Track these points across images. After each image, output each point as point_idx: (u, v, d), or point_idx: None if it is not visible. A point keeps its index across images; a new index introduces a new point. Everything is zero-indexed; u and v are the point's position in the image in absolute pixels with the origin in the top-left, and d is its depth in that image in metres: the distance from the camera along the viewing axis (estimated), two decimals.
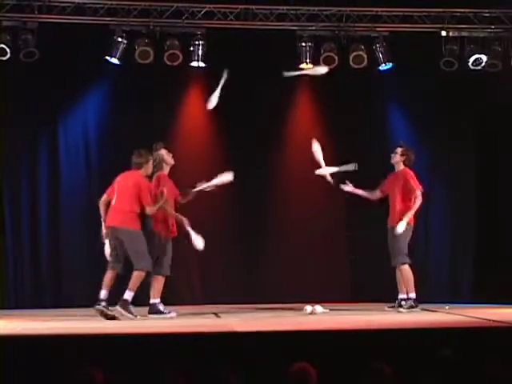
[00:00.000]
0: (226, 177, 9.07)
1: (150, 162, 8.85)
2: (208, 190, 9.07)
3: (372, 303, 9.97)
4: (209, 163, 10.70)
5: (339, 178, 9.57)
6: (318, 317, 8.80)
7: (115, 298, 8.57)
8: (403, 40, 10.36)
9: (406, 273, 9.25)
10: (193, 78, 10.79)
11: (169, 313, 8.79)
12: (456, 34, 10.41)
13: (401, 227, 9.11)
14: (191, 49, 10.25)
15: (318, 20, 10.33)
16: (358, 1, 10.33)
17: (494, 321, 7.63)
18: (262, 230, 10.88)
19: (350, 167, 9.42)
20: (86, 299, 10.14)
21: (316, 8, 10.29)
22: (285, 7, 10.25)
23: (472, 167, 11.06)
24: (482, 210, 10.92)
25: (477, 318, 8.19)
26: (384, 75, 10.64)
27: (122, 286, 8.63)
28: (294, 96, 11.06)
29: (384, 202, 9.56)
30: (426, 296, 9.62)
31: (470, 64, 10.43)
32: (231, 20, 10.17)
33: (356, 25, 10.34)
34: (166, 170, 9.03)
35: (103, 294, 8.57)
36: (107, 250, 8.82)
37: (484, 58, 10.40)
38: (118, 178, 8.84)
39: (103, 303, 8.48)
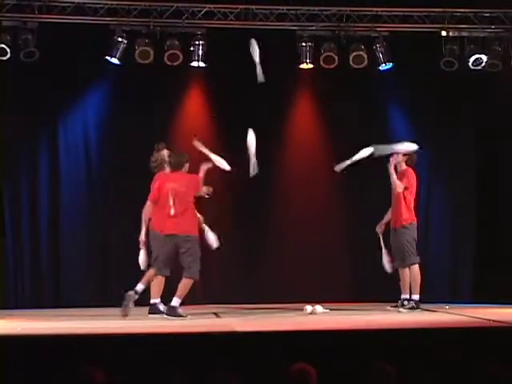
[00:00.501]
0: (223, 164, 8.97)
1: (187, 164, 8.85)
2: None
3: (372, 303, 9.97)
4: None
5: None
6: (318, 317, 8.80)
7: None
8: (403, 40, 10.36)
9: (415, 273, 9.27)
10: (193, 78, 10.79)
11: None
12: (456, 33, 10.41)
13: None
14: (191, 49, 10.25)
15: (318, 20, 10.33)
16: (358, 1, 10.32)
17: (494, 321, 7.64)
18: (262, 229, 10.88)
19: (366, 152, 9.30)
20: (85, 299, 10.19)
21: (316, 8, 10.29)
22: (285, 7, 10.24)
23: (472, 167, 11.06)
24: (482, 209, 10.92)
25: (477, 317, 8.20)
26: (384, 75, 10.64)
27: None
28: (294, 96, 11.06)
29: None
30: (426, 296, 9.61)
31: (470, 64, 10.43)
32: (231, 20, 10.17)
33: (356, 25, 10.34)
34: (168, 170, 9.03)
35: (140, 287, 8.57)
36: (143, 257, 8.79)
37: (484, 57, 10.39)
38: (165, 183, 8.75)
39: (135, 296, 8.51)
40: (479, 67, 10.44)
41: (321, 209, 10.95)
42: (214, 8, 10.15)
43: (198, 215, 8.88)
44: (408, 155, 9.49)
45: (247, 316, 8.94)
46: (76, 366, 4.76)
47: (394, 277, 9.42)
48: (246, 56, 10.36)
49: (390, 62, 10.42)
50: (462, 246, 11.03)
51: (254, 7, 10.18)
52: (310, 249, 10.87)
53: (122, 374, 5.34)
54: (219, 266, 10.68)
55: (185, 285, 8.59)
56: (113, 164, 10.72)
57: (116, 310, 8.65)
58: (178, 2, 10.12)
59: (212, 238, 8.88)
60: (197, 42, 10.21)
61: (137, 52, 10.06)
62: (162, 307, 8.81)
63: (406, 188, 9.34)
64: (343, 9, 10.30)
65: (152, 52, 10.06)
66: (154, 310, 8.78)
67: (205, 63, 10.30)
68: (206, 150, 8.97)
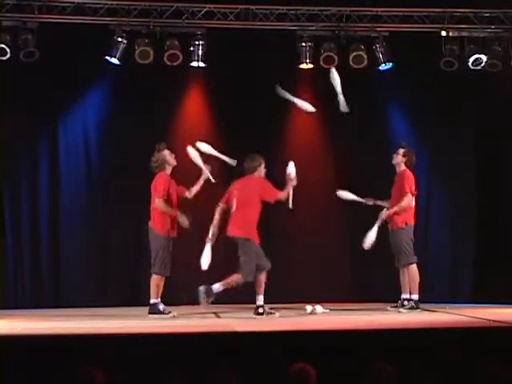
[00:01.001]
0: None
1: (262, 165, 8.97)
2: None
3: (372, 303, 9.96)
4: (208, 163, 10.70)
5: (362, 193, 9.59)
6: (318, 317, 8.80)
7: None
8: (403, 40, 10.35)
9: (413, 273, 9.27)
10: (193, 78, 10.79)
11: (169, 313, 8.79)
12: (456, 33, 10.40)
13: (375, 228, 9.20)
14: (191, 49, 10.24)
15: (318, 20, 10.33)
16: (357, 1, 10.32)
17: (493, 321, 7.64)
18: (261, 230, 10.85)
19: (368, 201, 9.52)
20: (85, 299, 10.19)
21: (316, 8, 10.29)
22: (285, 7, 10.24)
23: (472, 167, 11.06)
24: (482, 210, 10.92)
25: (477, 317, 8.20)
26: (384, 75, 10.64)
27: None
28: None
29: None
30: (426, 296, 9.61)
31: (469, 64, 10.43)
32: (231, 20, 10.16)
33: (356, 25, 10.33)
34: (169, 170, 9.05)
35: (216, 286, 8.66)
36: (207, 258, 8.87)
37: (484, 57, 10.39)
38: (236, 186, 8.94)
39: (209, 294, 8.62)
40: (479, 67, 10.44)
41: (321, 209, 10.95)
42: (214, 8, 10.14)
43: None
44: (407, 156, 9.50)
45: (247, 316, 8.94)
46: (76, 366, 4.76)
47: (394, 277, 9.42)
48: (246, 56, 10.39)
49: (389, 62, 10.42)
50: (462, 246, 11.03)
51: (253, 7, 10.18)
52: (310, 249, 10.87)
53: (121, 374, 5.34)
54: (219, 265, 10.68)
55: (233, 278, 8.76)
56: (113, 164, 10.72)
57: (115, 310, 8.67)
58: (178, 2, 10.12)
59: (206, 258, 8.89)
60: (197, 42, 10.21)
61: (137, 52, 10.06)
62: (161, 307, 8.80)
63: (412, 194, 9.35)
64: (343, 9, 10.29)
65: (152, 52, 10.05)
66: (153, 309, 8.78)
67: (205, 63, 10.30)
68: (213, 152, 9.00)
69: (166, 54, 10.09)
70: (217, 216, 9.00)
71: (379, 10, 10.30)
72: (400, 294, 9.40)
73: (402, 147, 9.55)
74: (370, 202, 9.58)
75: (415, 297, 9.27)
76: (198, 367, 5.25)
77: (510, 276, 10.15)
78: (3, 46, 9.73)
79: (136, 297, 10.00)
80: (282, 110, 10.90)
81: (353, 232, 10.86)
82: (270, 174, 10.87)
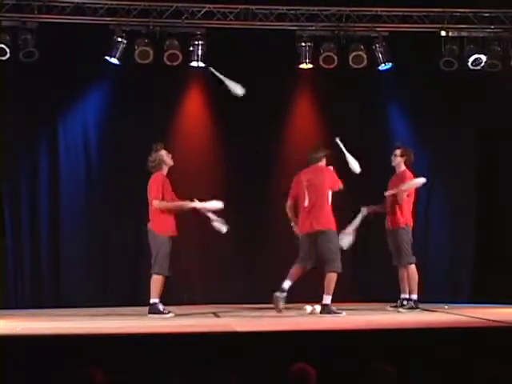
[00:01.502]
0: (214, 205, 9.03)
1: (325, 156, 8.97)
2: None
3: (372, 303, 9.96)
4: (208, 163, 10.72)
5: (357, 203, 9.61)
6: (317, 317, 8.79)
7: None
8: (403, 40, 10.35)
9: (412, 273, 9.28)
10: (192, 78, 10.78)
11: (168, 313, 8.79)
12: (455, 33, 10.40)
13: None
14: (191, 49, 10.24)
15: (318, 20, 10.32)
16: (357, 1, 10.32)
17: (493, 321, 7.64)
18: (262, 229, 10.87)
19: (362, 213, 9.44)
20: (85, 299, 10.19)
21: (316, 8, 10.28)
22: (284, 7, 10.23)
23: (472, 167, 11.06)
24: (482, 210, 10.92)
25: (476, 317, 8.20)
26: (384, 75, 10.64)
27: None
28: (293, 96, 11.06)
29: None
30: (426, 296, 9.61)
31: (469, 64, 10.43)
32: (231, 20, 10.16)
33: (356, 25, 10.33)
34: (165, 170, 9.04)
35: (287, 283, 8.72)
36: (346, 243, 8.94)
37: (483, 57, 10.39)
38: (304, 178, 8.93)
39: (284, 293, 8.72)
40: (479, 67, 10.43)
41: None
42: (214, 8, 10.14)
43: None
44: (406, 155, 9.49)
45: (247, 316, 8.94)
46: (76, 366, 4.76)
47: (393, 277, 9.42)
48: (246, 56, 10.39)
49: (389, 61, 10.41)
50: (462, 246, 11.03)
51: (253, 7, 10.17)
52: None
53: (121, 374, 5.34)
54: (219, 265, 10.69)
55: (330, 279, 8.74)
56: (112, 164, 10.72)
57: (115, 310, 8.67)
58: (178, 2, 10.11)
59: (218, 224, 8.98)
60: (196, 42, 10.20)
61: (136, 52, 10.05)
62: (161, 307, 8.80)
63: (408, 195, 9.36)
64: (343, 9, 10.29)
65: (151, 52, 10.05)
66: (153, 309, 8.78)
67: (204, 63, 10.29)
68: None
69: (166, 54, 10.09)
70: (291, 214, 9.04)
71: (379, 9, 10.29)
72: (399, 293, 9.40)
73: (398, 147, 9.55)
74: (365, 212, 9.50)
75: (414, 296, 9.28)
76: (197, 367, 5.25)
77: (510, 276, 10.15)
78: (3, 45, 9.72)
79: (136, 297, 10.00)
80: (281, 110, 10.92)
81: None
82: (269, 174, 10.93)
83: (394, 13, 10.32)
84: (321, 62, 10.32)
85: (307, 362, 4.77)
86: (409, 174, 9.46)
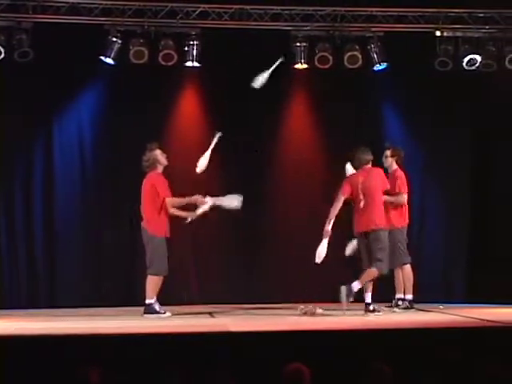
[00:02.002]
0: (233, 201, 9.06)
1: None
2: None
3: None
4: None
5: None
6: (312, 317, 8.79)
7: None
8: (398, 40, 10.36)
9: (407, 273, 9.29)
10: (187, 78, 10.78)
11: (164, 313, 8.78)
12: (450, 34, 10.42)
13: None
14: (186, 49, 10.24)
15: (313, 20, 10.33)
16: (352, 1, 10.32)
17: (487, 321, 7.65)
18: (258, 229, 10.88)
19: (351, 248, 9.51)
20: (81, 299, 10.18)
21: (311, 8, 10.29)
22: (279, 7, 10.24)
23: (467, 167, 11.07)
24: (476, 210, 10.93)
25: (471, 317, 8.21)
26: (379, 75, 10.65)
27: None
28: (288, 96, 11.06)
29: None
30: (421, 296, 9.62)
31: (464, 64, 10.44)
32: (226, 20, 10.16)
33: (351, 25, 10.34)
34: (160, 170, 9.04)
35: (355, 284, 8.74)
36: (323, 252, 8.99)
37: (478, 58, 10.40)
38: (360, 179, 8.95)
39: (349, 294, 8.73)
40: (473, 67, 10.44)
41: (317, 208, 10.93)
42: (209, 8, 10.14)
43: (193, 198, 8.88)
44: (396, 155, 9.51)
45: (242, 316, 8.94)
46: (72, 367, 4.76)
47: (388, 277, 9.42)
48: (241, 56, 10.39)
49: (384, 62, 10.42)
50: (456, 247, 11.04)
51: (248, 7, 10.17)
52: (305, 249, 10.81)
53: (118, 374, 5.34)
54: (215, 265, 10.69)
55: (369, 274, 8.79)
56: (107, 164, 10.71)
57: (111, 310, 8.67)
58: (173, 2, 10.11)
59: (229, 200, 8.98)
60: (191, 42, 10.20)
61: (131, 52, 10.05)
62: (157, 307, 8.80)
63: (402, 194, 9.36)
64: (338, 9, 10.29)
65: (146, 52, 10.04)
66: (149, 310, 8.77)
67: (199, 63, 10.29)
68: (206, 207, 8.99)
69: (161, 54, 10.08)
70: (338, 208, 9.02)
71: (374, 10, 10.30)
72: (394, 294, 9.41)
73: (388, 148, 9.56)
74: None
75: (409, 297, 9.30)
76: (193, 367, 5.25)
77: (504, 276, 10.16)
78: None
79: (131, 297, 9.98)
80: (276, 110, 10.92)
81: (348, 232, 10.85)
82: (265, 174, 10.93)
83: (389, 13, 10.33)
84: (316, 62, 10.33)
85: (302, 362, 4.77)
86: (400, 173, 9.47)
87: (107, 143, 10.71)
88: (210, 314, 9.08)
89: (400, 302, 9.29)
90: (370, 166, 9.09)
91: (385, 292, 9.53)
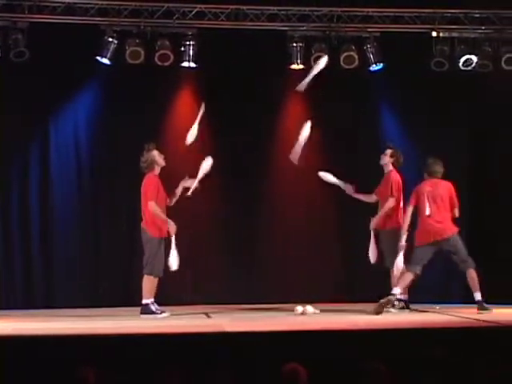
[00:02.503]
0: (206, 164, 9.07)
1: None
2: (192, 185, 9.03)
3: (362, 303, 9.96)
4: (199, 163, 10.68)
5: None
6: (308, 317, 8.80)
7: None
8: (394, 40, 10.36)
9: (404, 273, 9.27)
10: (184, 78, 10.78)
11: (161, 313, 8.78)
12: (446, 34, 10.42)
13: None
14: (182, 49, 10.23)
15: (309, 20, 10.33)
16: (348, 1, 10.32)
17: (484, 321, 7.66)
18: (253, 230, 10.88)
19: (348, 189, 9.53)
20: (77, 300, 10.17)
21: (307, 8, 10.29)
22: (276, 8, 10.24)
23: (463, 167, 11.08)
24: (473, 210, 10.93)
25: (467, 318, 8.22)
26: (375, 75, 10.65)
27: None
28: (285, 96, 11.05)
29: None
30: (417, 296, 9.63)
31: (460, 64, 10.45)
32: (222, 20, 10.16)
33: (347, 25, 10.34)
34: (157, 171, 9.04)
35: (396, 290, 8.96)
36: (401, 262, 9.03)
37: (474, 58, 10.41)
38: (427, 188, 9.09)
39: (397, 298, 8.97)
40: (469, 68, 10.45)
41: (312, 209, 10.96)
42: (205, 8, 10.14)
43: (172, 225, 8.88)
44: (394, 157, 9.52)
45: (238, 316, 8.94)
46: (68, 367, 4.76)
47: (385, 277, 9.43)
48: (237, 56, 10.39)
49: (380, 62, 10.42)
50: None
51: (244, 7, 10.17)
52: (301, 249, 10.87)
53: (114, 375, 5.34)
54: (211, 266, 10.69)
55: (473, 275, 8.98)
56: (104, 164, 10.71)
57: (108, 310, 8.66)
58: (169, 2, 10.10)
59: (173, 259, 8.87)
60: (188, 43, 10.19)
61: (127, 52, 10.04)
62: (154, 307, 8.79)
63: (393, 196, 9.38)
64: (334, 9, 10.30)
65: (143, 52, 10.04)
66: (145, 310, 8.77)
67: (196, 63, 10.29)
68: (194, 181, 9.02)
69: (157, 55, 10.08)
70: (409, 219, 9.14)
71: (370, 10, 10.31)
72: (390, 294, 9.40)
73: (390, 148, 9.58)
74: (350, 191, 9.55)
75: (405, 297, 9.29)
76: (189, 368, 5.25)
77: (501, 276, 10.17)
78: None
79: (128, 297, 9.97)
80: (273, 111, 10.92)
81: (343, 232, 10.88)
82: (262, 175, 10.93)
83: (385, 13, 10.33)
84: (312, 63, 10.32)
85: (298, 362, 4.77)
86: (395, 175, 9.48)
87: (103, 143, 10.70)
88: (207, 314, 9.07)
89: (396, 303, 9.28)
90: (439, 177, 9.23)
91: (384, 292, 9.53)
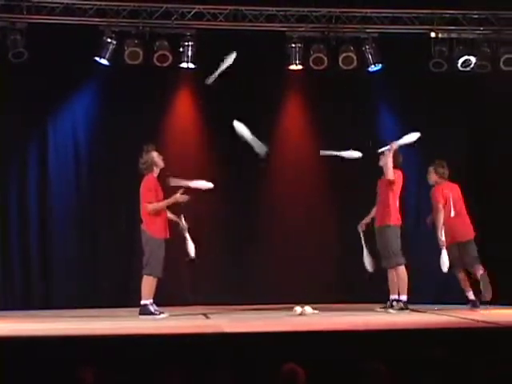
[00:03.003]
0: (205, 184, 9.08)
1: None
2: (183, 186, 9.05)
3: (361, 304, 9.97)
4: (198, 163, 10.70)
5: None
6: (307, 318, 8.80)
7: None
8: (393, 41, 10.37)
9: (401, 274, 9.29)
10: (182, 79, 10.79)
11: (160, 314, 8.77)
12: (445, 35, 10.43)
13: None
14: (181, 50, 10.24)
15: (308, 21, 10.33)
16: (347, 2, 10.33)
17: (482, 321, 7.66)
18: (251, 230, 10.88)
19: (355, 155, 9.45)
20: (75, 300, 10.17)
21: (305, 9, 10.30)
22: (274, 8, 10.24)
23: (462, 168, 11.08)
24: (472, 210, 10.92)
25: (466, 318, 8.22)
26: (373, 76, 10.66)
27: None
28: (283, 97, 11.07)
29: None
30: (416, 296, 9.63)
31: (459, 65, 10.45)
32: (221, 21, 10.16)
33: (345, 26, 10.35)
34: (156, 172, 9.03)
35: (470, 294, 9.54)
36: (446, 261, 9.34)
37: (473, 59, 10.42)
38: (447, 192, 9.54)
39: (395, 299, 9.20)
40: (468, 68, 10.46)
41: (309, 209, 10.96)
42: (204, 9, 10.14)
43: (183, 222, 8.89)
44: (396, 157, 9.51)
45: (236, 317, 8.94)
46: (67, 368, 4.76)
47: (383, 278, 9.43)
48: (236, 57, 10.38)
49: (379, 63, 10.44)
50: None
51: (243, 8, 10.18)
52: (301, 249, 10.87)
53: (112, 375, 5.34)
54: (209, 266, 10.68)
55: (484, 276, 9.33)
56: (102, 164, 10.71)
57: (106, 311, 8.65)
58: (168, 2, 10.11)
59: (191, 248, 8.91)
60: (186, 43, 10.21)
61: (126, 53, 10.05)
62: (153, 308, 8.79)
63: (393, 182, 9.33)
64: (333, 10, 10.30)
65: (141, 53, 10.04)
66: (144, 311, 8.77)
67: (194, 64, 10.30)
68: (183, 183, 8.95)
69: (156, 55, 10.08)
70: (442, 217, 9.47)
71: (369, 11, 10.32)
72: (388, 294, 9.41)
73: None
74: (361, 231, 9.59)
75: (404, 297, 9.29)
76: (189, 368, 5.25)
77: (500, 277, 10.16)
78: None
79: (127, 297, 9.97)
80: (271, 111, 10.93)
81: (343, 233, 10.87)
82: (260, 175, 10.93)
83: (383, 14, 10.34)
84: (311, 63, 10.34)
85: (297, 362, 4.77)
86: (395, 171, 9.46)
87: (102, 143, 10.70)
88: (205, 314, 9.07)
89: (394, 303, 9.29)
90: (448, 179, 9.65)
91: (381, 293, 9.54)
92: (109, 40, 10.01)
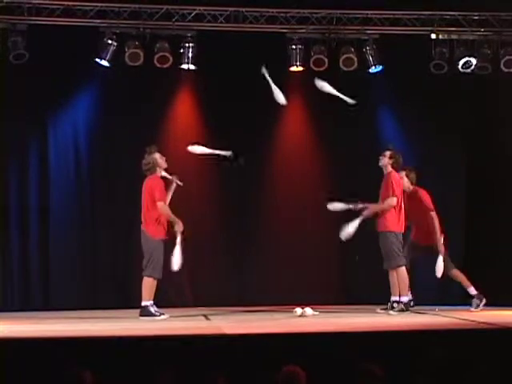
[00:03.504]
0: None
1: None
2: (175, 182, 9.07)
3: (361, 305, 9.97)
4: (198, 165, 10.69)
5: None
6: (307, 319, 8.79)
7: None
8: (393, 43, 10.37)
9: (402, 275, 9.29)
10: (183, 80, 10.79)
11: (160, 315, 8.77)
12: (445, 36, 10.43)
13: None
14: (181, 51, 10.24)
15: (309, 23, 10.34)
16: (348, 3, 10.33)
17: (483, 323, 7.66)
18: (251, 232, 10.88)
19: (357, 206, 9.46)
20: (75, 300, 10.17)
21: (306, 11, 10.29)
22: (275, 10, 10.24)
23: (462, 169, 11.09)
24: (471, 211, 10.94)
25: (467, 319, 8.22)
26: (374, 78, 10.66)
27: None
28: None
29: None
30: (416, 298, 9.63)
31: (459, 67, 10.45)
32: (221, 22, 10.17)
33: (346, 27, 10.35)
34: (159, 173, 9.04)
35: (471, 290, 9.63)
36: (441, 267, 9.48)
37: (474, 60, 10.41)
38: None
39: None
40: (469, 70, 10.46)
41: (310, 210, 10.95)
42: (204, 10, 10.14)
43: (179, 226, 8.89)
44: (393, 158, 9.51)
45: (237, 318, 8.94)
46: (65, 369, 4.75)
47: (383, 279, 9.42)
48: (236, 58, 10.40)
49: (379, 64, 10.43)
50: (451, 249, 11.01)
51: (244, 9, 10.18)
52: (301, 250, 10.87)
53: (111, 377, 5.33)
54: (209, 268, 10.69)
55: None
56: (103, 165, 10.72)
57: (106, 312, 8.63)
58: (168, 4, 10.11)
59: (176, 260, 8.85)
60: (187, 45, 10.21)
61: (127, 54, 10.04)
62: (153, 309, 8.79)
63: (395, 195, 9.36)
64: (333, 11, 10.30)
65: (142, 54, 10.04)
66: (145, 312, 8.77)
67: (195, 65, 10.30)
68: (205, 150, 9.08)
69: (156, 57, 10.08)
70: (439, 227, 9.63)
71: (369, 12, 10.31)
72: (389, 296, 9.40)
73: (389, 149, 9.57)
74: (360, 206, 9.54)
75: (404, 299, 9.29)
76: (187, 370, 5.24)
77: (500, 278, 10.18)
78: None
79: (127, 299, 9.97)
80: (272, 112, 10.91)
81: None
82: (259, 176, 10.93)
83: (384, 16, 10.34)
84: (311, 65, 10.34)
85: (297, 364, 4.77)
86: (394, 175, 9.46)
87: (102, 145, 10.71)
88: (205, 316, 9.07)
89: (395, 305, 9.28)
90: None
91: (381, 294, 9.54)
92: (109, 41, 10.01)
